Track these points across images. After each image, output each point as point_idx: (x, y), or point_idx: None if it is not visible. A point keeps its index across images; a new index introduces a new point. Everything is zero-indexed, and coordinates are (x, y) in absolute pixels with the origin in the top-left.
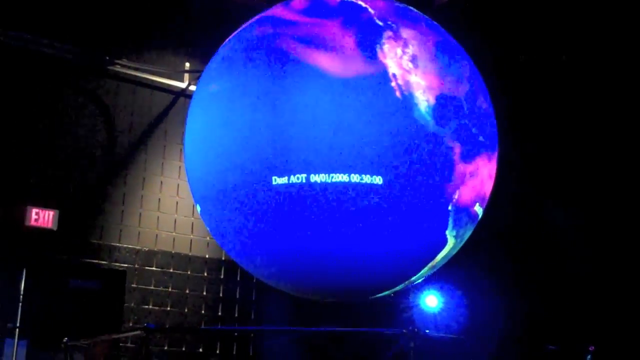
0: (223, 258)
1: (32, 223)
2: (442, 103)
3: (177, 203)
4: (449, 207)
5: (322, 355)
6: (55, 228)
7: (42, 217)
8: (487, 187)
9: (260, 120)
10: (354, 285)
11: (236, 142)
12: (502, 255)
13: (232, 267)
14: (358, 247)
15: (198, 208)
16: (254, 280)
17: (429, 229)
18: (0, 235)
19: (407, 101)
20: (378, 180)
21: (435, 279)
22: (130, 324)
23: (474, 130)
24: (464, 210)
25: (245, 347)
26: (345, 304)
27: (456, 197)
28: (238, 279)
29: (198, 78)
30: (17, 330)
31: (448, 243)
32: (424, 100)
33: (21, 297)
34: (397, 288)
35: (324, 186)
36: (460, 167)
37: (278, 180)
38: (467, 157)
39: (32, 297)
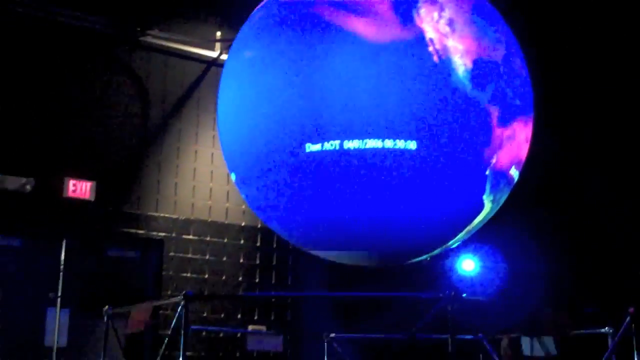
0: (259, 225)
1: (70, 194)
2: (480, 67)
3: (211, 172)
4: (487, 172)
5: (360, 321)
6: (92, 199)
7: (80, 188)
8: (524, 151)
9: (293, 87)
10: (390, 250)
11: (269, 110)
12: (540, 218)
13: (268, 234)
14: (394, 213)
15: (233, 176)
16: (291, 247)
17: (465, 194)
18: (39, 206)
19: (445, 65)
20: (412, 145)
21: (472, 243)
22: (169, 292)
23: (510, 94)
24: (501, 175)
25: (282, 313)
26: (382, 268)
27: (494, 161)
28: (274, 246)
29: (229, 47)
30: (59, 299)
31: (485, 208)
32: (461, 64)
33: (62, 267)
34: (434, 252)
35: (358, 152)
36: (498, 132)
37: (312, 147)
38: (505, 121)
39: (73, 267)
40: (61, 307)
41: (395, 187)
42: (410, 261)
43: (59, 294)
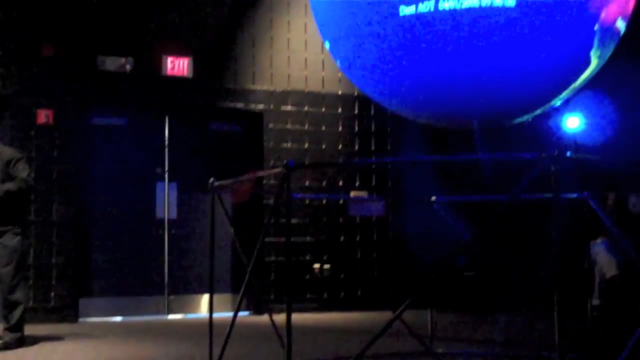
0: (355, 93)
1: (169, 72)
2: None
3: (306, 41)
4: (595, 27)
5: (462, 183)
6: (190, 75)
7: (177, 65)
8: (632, 1)
9: None
10: (492, 110)
11: None
12: None
13: (366, 102)
14: (495, 72)
15: (327, 45)
16: (388, 113)
17: (572, 51)
18: (140, 85)
19: None
20: (510, 2)
21: (577, 99)
22: (271, 163)
23: None
24: (608, 29)
25: (383, 178)
26: (485, 130)
27: (603, 15)
28: (372, 113)
29: None
30: (167, 174)
31: (591, 64)
32: None
33: (166, 142)
34: (537, 112)
35: (454, 12)
36: None
37: (406, 10)
38: None
39: (177, 143)
40: (169, 181)
41: (496, 46)
42: (513, 122)
43: (166, 168)
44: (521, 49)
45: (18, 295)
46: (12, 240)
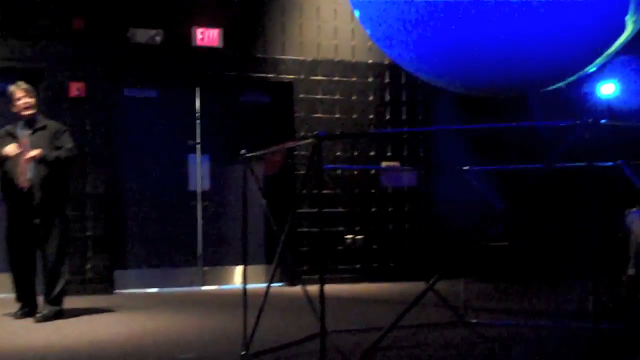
0: (386, 62)
1: (199, 42)
2: None
3: (335, 10)
4: None
5: (494, 153)
6: (220, 46)
7: (207, 36)
8: None
9: None
10: (527, 77)
11: None
12: None
13: (397, 71)
14: (529, 36)
15: (357, 13)
16: (420, 82)
17: (607, 16)
18: (170, 57)
19: None
20: None
21: (612, 66)
22: (302, 133)
23: None
24: None
25: (415, 148)
26: (517, 98)
27: None
28: (403, 81)
29: None
30: (198, 146)
31: (626, 29)
32: None
33: (198, 114)
34: (571, 78)
35: None
36: None
37: None
38: None
39: (208, 114)
40: (201, 153)
41: (530, 13)
42: (546, 89)
43: (198, 140)
44: (555, 15)
45: (63, 268)
46: (57, 214)
